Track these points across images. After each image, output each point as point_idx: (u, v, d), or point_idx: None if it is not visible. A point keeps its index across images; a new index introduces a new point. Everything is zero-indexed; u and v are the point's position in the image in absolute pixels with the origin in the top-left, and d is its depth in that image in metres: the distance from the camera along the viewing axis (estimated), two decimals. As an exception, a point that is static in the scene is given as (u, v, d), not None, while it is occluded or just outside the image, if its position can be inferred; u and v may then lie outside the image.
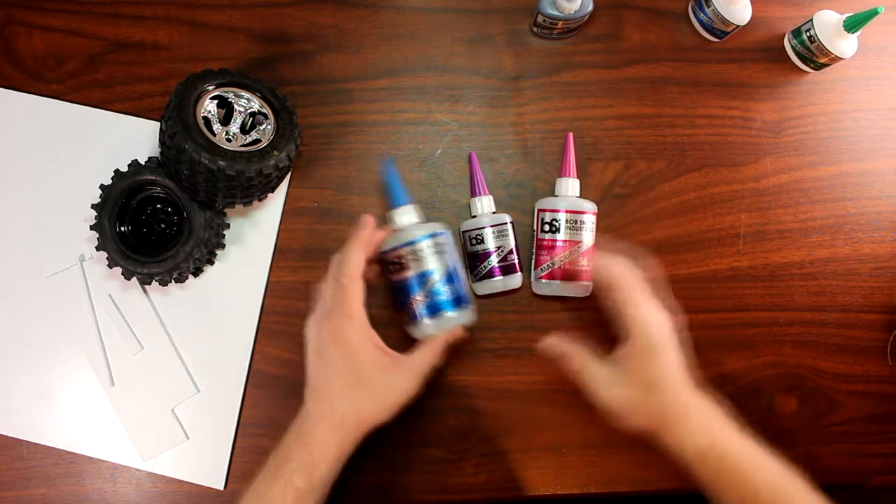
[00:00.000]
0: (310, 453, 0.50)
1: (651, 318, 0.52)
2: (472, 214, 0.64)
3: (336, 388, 0.51)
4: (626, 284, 0.53)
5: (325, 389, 0.52)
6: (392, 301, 0.58)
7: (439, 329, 0.55)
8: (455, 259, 0.57)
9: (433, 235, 0.56)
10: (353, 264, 0.52)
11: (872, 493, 0.67)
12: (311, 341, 0.53)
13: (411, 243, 0.55)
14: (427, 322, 0.55)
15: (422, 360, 0.53)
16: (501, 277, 0.62)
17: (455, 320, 0.55)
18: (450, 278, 0.55)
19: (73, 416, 0.61)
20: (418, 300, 0.55)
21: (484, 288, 0.62)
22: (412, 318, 0.56)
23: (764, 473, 0.50)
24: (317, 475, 0.50)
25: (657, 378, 0.52)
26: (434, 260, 0.55)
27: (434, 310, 0.55)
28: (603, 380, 0.53)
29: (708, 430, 0.51)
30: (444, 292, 0.55)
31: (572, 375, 0.55)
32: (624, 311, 0.53)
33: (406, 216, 0.58)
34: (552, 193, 0.65)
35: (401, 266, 0.55)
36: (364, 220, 0.55)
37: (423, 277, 0.54)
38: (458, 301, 0.55)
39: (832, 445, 0.66)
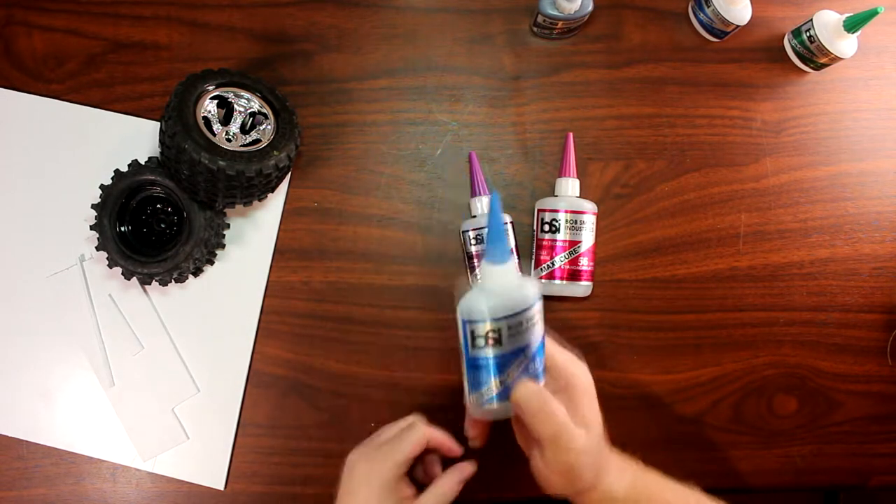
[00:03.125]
0: None
1: (576, 360, 0.48)
2: (472, 214, 0.64)
3: None
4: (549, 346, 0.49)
5: None
6: (466, 378, 0.46)
7: (510, 413, 0.45)
8: (543, 328, 0.45)
9: (535, 303, 0.43)
10: (386, 472, 0.48)
11: (873, 493, 0.67)
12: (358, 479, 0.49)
13: (524, 311, 0.43)
14: (499, 406, 0.44)
15: (444, 498, 0.49)
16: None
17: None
18: (541, 350, 0.44)
19: (73, 416, 0.61)
20: (507, 378, 0.43)
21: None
22: (492, 398, 0.44)
23: (680, 495, 0.50)
24: None
25: (600, 426, 0.47)
26: (531, 333, 0.43)
27: (505, 394, 0.44)
28: (574, 439, 0.44)
29: (624, 469, 0.48)
30: (533, 370, 0.44)
31: (539, 435, 0.45)
32: (554, 360, 0.47)
33: (507, 277, 0.43)
34: (552, 193, 0.65)
35: (498, 339, 0.43)
36: (416, 434, 0.49)
37: (521, 351, 0.43)
38: (535, 378, 0.44)
39: (832, 445, 0.66)
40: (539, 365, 0.44)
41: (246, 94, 0.58)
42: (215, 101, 0.57)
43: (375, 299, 0.63)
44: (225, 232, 0.62)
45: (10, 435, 0.61)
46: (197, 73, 0.56)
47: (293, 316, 0.63)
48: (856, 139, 0.70)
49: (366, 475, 0.48)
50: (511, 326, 0.42)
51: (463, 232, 0.63)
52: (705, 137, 0.68)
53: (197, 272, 0.62)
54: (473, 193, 0.64)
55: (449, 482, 0.50)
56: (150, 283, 0.60)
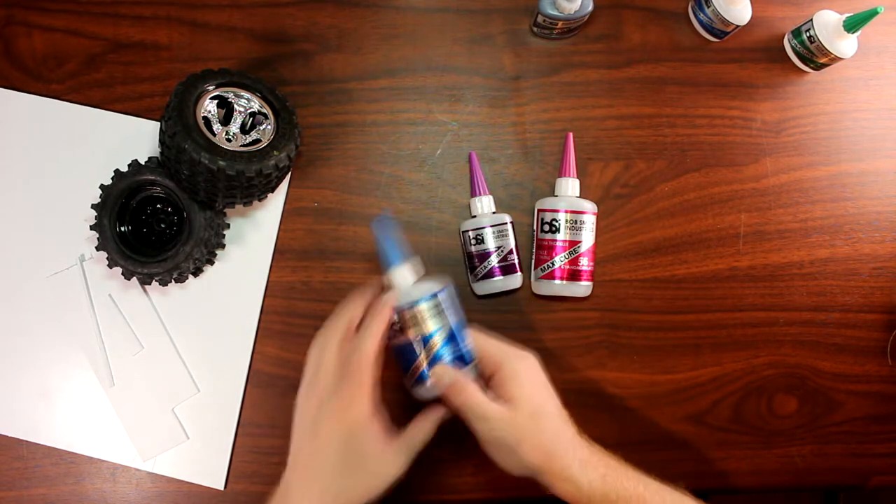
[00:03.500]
0: None
1: (506, 347, 0.52)
2: (472, 214, 0.64)
3: (329, 469, 0.48)
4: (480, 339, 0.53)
5: (316, 469, 0.49)
6: (396, 363, 0.54)
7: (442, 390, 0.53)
8: (458, 315, 0.53)
9: (433, 296, 0.52)
10: (370, 344, 0.49)
11: (873, 493, 0.67)
12: (305, 415, 0.50)
13: (411, 306, 0.51)
14: (430, 385, 0.52)
15: (417, 437, 0.51)
16: (501, 277, 0.62)
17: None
18: (451, 338, 0.52)
19: (73, 416, 0.61)
20: (421, 363, 0.52)
21: (484, 288, 0.62)
22: (416, 381, 0.52)
23: (655, 490, 0.50)
24: None
25: (539, 406, 0.50)
26: (435, 322, 0.52)
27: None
28: (492, 410, 0.50)
29: (596, 465, 0.49)
30: (446, 354, 0.52)
31: (457, 408, 0.51)
32: (483, 350, 0.52)
33: (403, 276, 0.53)
34: (552, 193, 0.65)
35: (401, 329, 0.52)
36: (389, 298, 0.52)
37: (425, 341, 0.51)
38: (460, 361, 0.52)
39: (832, 445, 0.66)
40: (462, 347, 0.52)
41: (246, 94, 0.58)
42: (215, 101, 0.57)
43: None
44: (225, 232, 0.62)
45: (10, 435, 0.61)
46: (197, 73, 0.56)
47: (293, 316, 0.63)
48: (856, 139, 0.70)
49: (335, 426, 0.49)
50: (414, 316, 0.51)
51: (463, 232, 0.63)
52: (705, 137, 0.68)
53: (197, 272, 0.62)
54: (473, 193, 0.64)
55: (426, 422, 0.53)
56: (150, 283, 0.60)
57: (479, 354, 0.53)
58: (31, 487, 0.61)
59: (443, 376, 0.51)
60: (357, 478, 0.49)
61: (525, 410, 0.50)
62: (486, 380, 0.52)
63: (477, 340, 0.53)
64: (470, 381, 0.51)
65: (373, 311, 0.51)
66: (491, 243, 0.61)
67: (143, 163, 0.59)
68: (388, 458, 0.50)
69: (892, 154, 0.70)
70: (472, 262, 0.62)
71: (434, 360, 0.51)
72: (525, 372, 0.51)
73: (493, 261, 0.61)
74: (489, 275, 0.61)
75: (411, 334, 0.52)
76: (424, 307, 0.51)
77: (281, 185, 0.63)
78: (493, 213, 0.63)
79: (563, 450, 0.49)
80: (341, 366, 0.50)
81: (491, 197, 0.63)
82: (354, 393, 0.49)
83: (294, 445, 0.51)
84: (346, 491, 0.49)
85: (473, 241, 0.62)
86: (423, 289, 0.52)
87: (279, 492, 0.50)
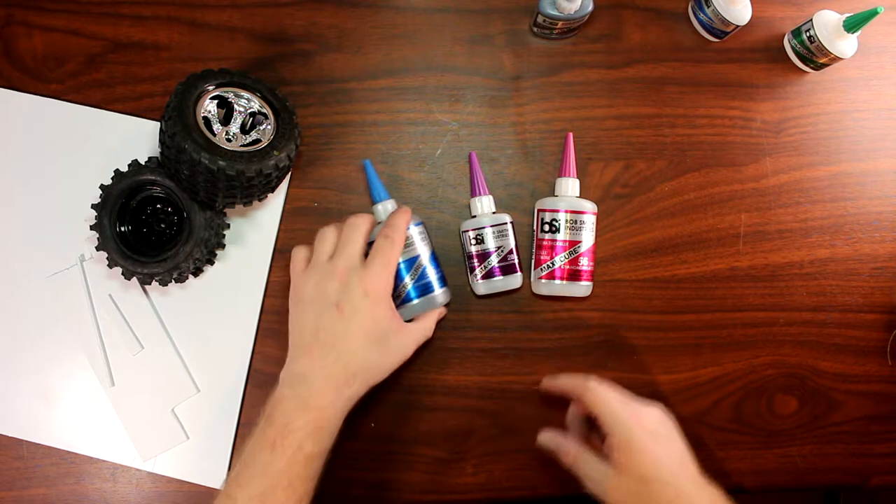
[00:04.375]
0: (315, 419, 0.49)
1: (621, 410, 0.52)
2: (473, 214, 0.64)
3: (356, 344, 0.50)
4: (590, 388, 0.54)
5: (340, 346, 0.50)
6: None
7: (426, 308, 0.59)
8: (431, 245, 0.61)
9: (419, 224, 0.60)
10: (402, 225, 0.55)
11: (872, 493, 0.67)
12: (330, 294, 0.51)
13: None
14: (416, 302, 0.59)
15: (421, 329, 0.57)
16: (501, 277, 0.62)
17: (439, 298, 0.60)
18: (433, 261, 0.60)
19: (73, 416, 0.61)
20: (408, 283, 0.58)
21: (484, 288, 0.62)
22: (403, 300, 0.59)
23: None
24: (324, 438, 0.49)
25: (648, 471, 0.50)
26: (421, 246, 0.59)
27: (422, 291, 0.59)
28: (598, 473, 0.52)
29: None
30: (429, 274, 0.59)
31: (569, 468, 0.54)
32: (595, 411, 0.53)
33: (387, 210, 0.62)
34: (552, 193, 0.65)
35: None
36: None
37: (412, 262, 0.58)
38: (441, 281, 0.60)
39: (832, 445, 0.66)
40: (440, 270, 0.61)
41: (246, 94, 0.58)
42: (215, 101, 0.57)
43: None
44: (225, 232, 0.62)
45: (10, 435, 0.61)
46: (197, 73, 0.56)
47: (293, 316, 0.63)
48: (856, 139, 0.70)
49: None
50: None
51: (463, 232, 0.63)
52: (705, 137, 0.68)
53: (197, 272, 0.62)
54: (473, 193, 0.64)
55: (428, 320, 0.58)
56: (150, 283, 0.60)
57: (596, 418, 0.53)
58: (31, 487, 0.61)
59: (549, 443, 0.57)
60: (381, 353, 0.52)
61: (632, 476, 0.50)
62: (602, 438, 0.53)
63: (596, 402, 0.53)
64: (573, 444, 0.55)
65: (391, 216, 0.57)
66: (491, 243, 0.61)
67: (143, 163, 0.59)
68: (405, 338, 0.54)
69: (892, 154, 0.70)
70: (471, 262, 0.62)
71: (420, 279, 0.59)
72: (639, 437, 0.51)
73: (494, 261, 0.61)
74: (489, 275, 0.61)
75: (401, 257, 0.58)
76: (414, 232, 0.59)
77: (281, 185, 0.63)
78: (493, 213, 0.63)
79: None
80: (362, 249, 0.54)
81: (491, 197, 0.63)
82: (386, 264, 0.52)
83: (303, 331, 0.52)
84: (370, 367, 0.51)
85: (473, 241, 0.62)
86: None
87: (292, 379, 0.50)
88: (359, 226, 0.55)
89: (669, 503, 0.49)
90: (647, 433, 0.51)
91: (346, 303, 0.51)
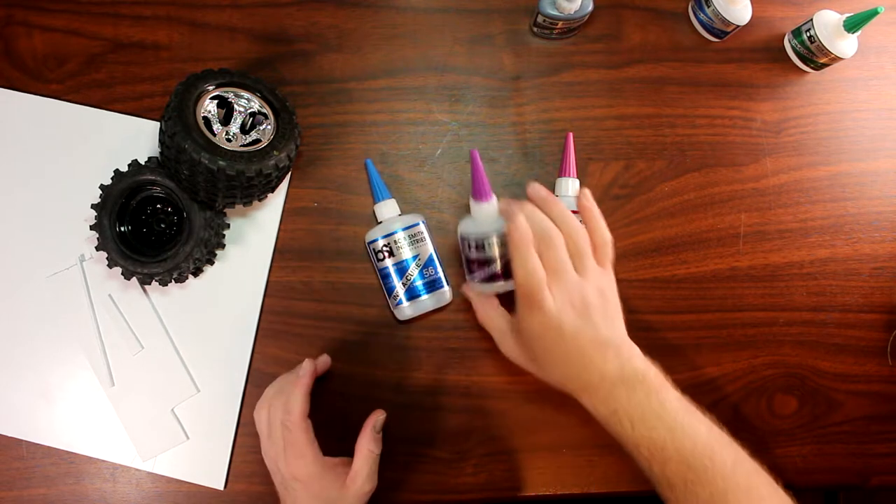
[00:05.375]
0: None
1: (523, 263, 0.51)
2: (472, 215, 0.63)
3: None
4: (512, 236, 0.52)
5: None
6: (382, 287, 0.63)
7: (417, 312, 0.61)
8: (431, 247, 0.62)
9: (408, 227, 0.61)
10: (298, 409, 0.53)
11: (873, 493, 0.67)
12: (273, 474, 0.54)
13: (390, 235, 0.61)
14: (406, 305, 0.61)
15: (365, 462, 0.54)
16: (503, 282, 0.61)
17: (429, 303, 0.61)
18: (427, 265, 0.61)
19: (73, 416, 0.61)
20: (400, 286, 0.60)
21: (486, 289, 0.62)
22: (396, 303, 0.61)
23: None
24: None
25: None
26: (410, 249, 0.61)
27: (412, 295, 0.60)
28: (502, 329, 0.56)
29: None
30: (419, 279, 0.61)
31: (481, 322, 0.58)
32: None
33: (386, 210, 0.63)
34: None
35: (383, 256, 0.61)
36: (305, 367, 0.55)
37: (402, 266, 0.60)
38: (432, 286, 0.61)
39: (832, 445, 0.66)
40: (437, 273, 0.62)
41: (246, 94, 0.58)
42: (215, 101, 0.57)
43: (375, 299, 0.63)
44: (225, 232, 0.62)
45: (10, 435, 0.61)
46: (197, 73, 0.56)
47: (293, 316, 0.63)
48: (856, 139, 0.70)
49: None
50: (395, 242, 0.60)
51: (462, 239, 0.62)
52: (705, 137, 0.68)
53: (197, 272, 0.62)
54: (474, 192, 0.63)
55: (366, 440, 0.55)
56: (149, 283, 0.60)
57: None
58: (31, 487, 0.61)
59: (465, 292, 0.61)
60: None
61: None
62: None
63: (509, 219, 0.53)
64: (488, 300, 0.59)
65: (296, 378, 0.55)
66: (496, 252, 0.59)
67: (143, 163, 0.59)
68: (352, 490, 0.53)
69: (892, 154, 0.70)
70: (470, 263, 0.62)
71: (410, 283, 0.60)
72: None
73: (496, 268, 0.60)
74: (490, 276, 0.61)
75: (391, 260, 0.60)
76: (401, 236, 0.60)
77: (281, 185, 0.63)
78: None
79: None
80: (280, 429, 0.53)
81: (494, 197, 0.61)
82: (297, 455, 0.52)
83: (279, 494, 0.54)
84: None
85: (474, 248, 0.60)
86: (401, 221, 0.61)
87: None
88: (280, 428, 0.54)
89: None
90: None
91: (288, 484, 0.53)
